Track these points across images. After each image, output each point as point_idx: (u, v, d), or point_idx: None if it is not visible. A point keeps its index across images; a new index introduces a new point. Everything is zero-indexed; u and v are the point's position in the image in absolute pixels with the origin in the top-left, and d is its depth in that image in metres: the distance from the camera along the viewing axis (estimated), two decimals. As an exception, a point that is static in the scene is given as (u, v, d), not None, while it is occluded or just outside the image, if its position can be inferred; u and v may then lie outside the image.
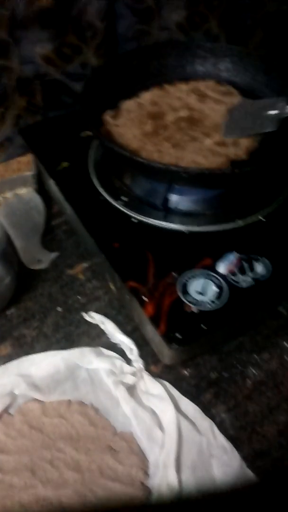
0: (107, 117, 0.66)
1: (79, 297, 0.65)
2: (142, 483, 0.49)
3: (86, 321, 0.62)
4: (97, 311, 0.63)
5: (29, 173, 0.75)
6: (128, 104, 0.69)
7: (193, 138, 0.63)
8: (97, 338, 0.61)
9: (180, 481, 0.48)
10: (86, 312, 0.63)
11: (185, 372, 0.57)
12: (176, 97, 0.70)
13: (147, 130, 0.65)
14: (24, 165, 0.77)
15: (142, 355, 0.58)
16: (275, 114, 0.60)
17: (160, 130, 0.65)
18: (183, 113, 0.67)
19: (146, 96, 0.70)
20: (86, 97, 0.64)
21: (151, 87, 0.72)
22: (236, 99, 0.70)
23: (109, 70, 0.70)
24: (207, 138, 0.63)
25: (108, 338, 0.60)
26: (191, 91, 0.71)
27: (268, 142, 0.63)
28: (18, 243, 0.67)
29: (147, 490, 0.49)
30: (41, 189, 0.77)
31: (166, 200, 0.60)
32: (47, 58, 0.76)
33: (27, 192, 0.76)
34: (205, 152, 0.61)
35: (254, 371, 0.58)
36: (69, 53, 0.77)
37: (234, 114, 0.66)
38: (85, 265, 0.69)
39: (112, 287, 0.63)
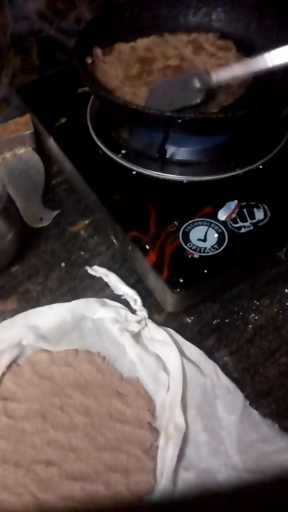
0: (97, 50, 0.67)
1: (82, 253, 0.66)
2: (150, 424, 0.51)
3: (90, 275, 0.63)
4: (100, 266, 0.64)
5: (27, 132, 0.75)
6: (122, 46, 0.70)
7: None
8: (101, 291, 0.62)
9: (186, 420, 0.50)
10: (89, 267, 0.64)
11: (188, 320, 0.59)
12: (173, 47, 0.70)
13: (131, 73, 0.66)
14: (22, 125, 0.76)
15: (145, 305, 0.59)
16: (199, 87, 0.60)
17: (144, 74, 0.65)
18: (173, 62, 0.68)
19: (143, 42, 0.71)
20: (80, 49, 0.64)
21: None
22: (231, 55, 0.70)
23: (101, 22, 0.70)
24: None
25: (112, 290, 0.61)
26: (190, 42, 0.70)
27: (257, 88, 0.64)
28: (18, 202, 0.68)
29: (154, 430, 0.50)
30: (40, 149, 0.77)
31: (163, 151, 0.60)
32: (41, 13, 0.75)
33: (25, 151, 0.76)
34: None
35: (254, 316, 0.59)
36: (63, 7, 0.76)
37: (157, 90, 0.64)
38: (86, 221, 0.69)
39: (114, 241, 0.64)
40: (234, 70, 0.61)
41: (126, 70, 0.66)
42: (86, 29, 0.69)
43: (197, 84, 0.60)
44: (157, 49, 0.69)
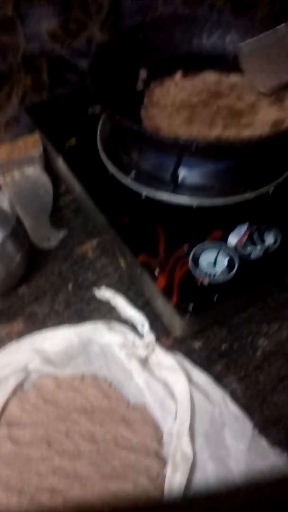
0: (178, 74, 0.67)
1: (89, 274, 0.65)
2: (157, 452, 0.50)
3: (97, 297, 0.63)
4: (107, 288, 0.63)
5: (36, 152, 0.75)
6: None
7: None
8: (108, 314, 0.61)
9: (194, 449, 0.49)
10: (97, 289, 0.63)
11: (196, 345, 0.58)
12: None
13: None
14: (31, 144, 0.76)
15: (153, 329, 0.58)
16: None
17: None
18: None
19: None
20: (93, 71, 0.64)
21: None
22: None
23: (115, 45, 0.70)
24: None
25: (118, 314, 0.61)
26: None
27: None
28: (27, 222, 0.67)
29: (161, 459, 0.49)
30: (48, 168, 0.77)
31: (175, 174, 0.60)
32: (52, 34, 0.75)
33: (34, 171, 0.76)
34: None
35: (263, 342, 0.58)
36: (75, 28, 0.77)
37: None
38: (94, 242, 0.69)
39: (122, 263, 0.64)
40: None
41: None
42: (101, 51, 0.70)
43: None
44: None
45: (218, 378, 0.55)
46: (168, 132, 0.61)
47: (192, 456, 0.48)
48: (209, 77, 0.71)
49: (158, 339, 0.58)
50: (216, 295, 0.52)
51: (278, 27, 0.60)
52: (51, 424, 0.52)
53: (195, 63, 0.72)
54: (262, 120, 0.62)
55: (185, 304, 0.52)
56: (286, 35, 0.60)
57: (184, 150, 0.56)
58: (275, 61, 0.62)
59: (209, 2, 0.86)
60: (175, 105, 0.66)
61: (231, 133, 0.60)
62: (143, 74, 0.70)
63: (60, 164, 0.70)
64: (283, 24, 0.60)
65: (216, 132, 0.61)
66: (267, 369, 0.56)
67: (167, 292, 0.53)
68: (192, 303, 0.51)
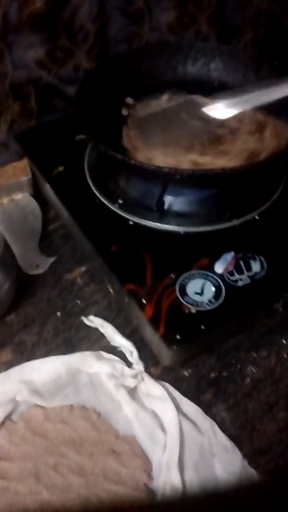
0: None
1: (78, 301, 0.65)
2: (146, 485, 0.49)
3: (86, 325, 0.62)
4: (96, 315, 0.63)
5: (25, 178, 0.75)
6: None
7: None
8: (97, 342, 0.61)
9: (183, 481, 0.49)
10: (85, 316, 0.63)
11: (185, 373, 0.58)
12: None
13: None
14: (20, 170, 0.77)
15: (141, 357, 0.58)
16: None
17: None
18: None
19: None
20: (79, 100, 0.64)
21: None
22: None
23: (101, 73, 0.71)
24: None
25: (108, 341, 0.61)
26: None
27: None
28: (15, 248, 0.67)
29: (151, 492, 0.49)
30: (37, 194, 0.77)
31: (161, 202, 0.60)
32: (39, 62, 0.76)
33: (23, 197, 0.76)
34: None
35: (252, 369, 0.58)
36: (62, 56, 0.77)
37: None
38: (83, 269, 0.69)
39: (111, 290, 0.64)
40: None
41: None
42: (87, 79, 0.70)
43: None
44: None
45: (207, 407, 0.55)
46: (145, 152, 0.62)
47: (181, 488, 0.48)
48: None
49: (147, 367, 0.57)
50: (204, 324, 0.52)
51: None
52: (40, 457, 0.51)
53: (180, 89, 0.73)
54: (239, 149, 0.62)
55: (172, 333, 0.52)
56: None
57: (167, 179, 0.56)
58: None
59: (194, 29, 0.87)
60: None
61: (207, 160, 0.61)
62: (129, 101, 0.71)
63: (48, 190, 0.70)
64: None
65: (192, 157, 0.61)
66: (256, 396, 0.56)
67: (154, 322, 0.52)
68: (179, 332, 0.51)
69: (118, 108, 0.70)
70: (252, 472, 0.50)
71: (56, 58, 0.77)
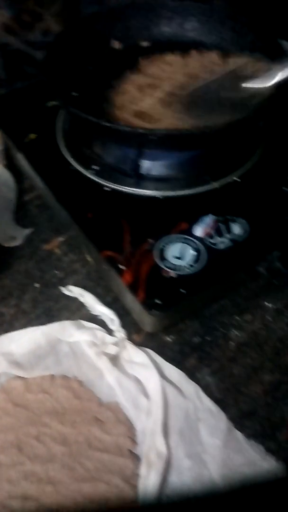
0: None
1: (57, 272, 0.64)
2: (131, 451, 0.49)
3: (65, 295, 0.61)
4: (75, 285, 0.62)
5: (-3, 148, 0.72)
6: None
7: None
8: (77, 312, 0.60)
9: (168, 446, 0.48)
10: (64, 286, 0.62)
11: (168, 339, 0.57)
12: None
13: None
14: (-9, 141, 0.74)
15: (123, 325, 0.57)
16: None
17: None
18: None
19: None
20: (48, 64, 0.62)
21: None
22: None
23: (71, 35, 0.68)
24: None
25: (88, 310, 0.59)
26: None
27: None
28: (-11, 221, 0.66)
29: (135, 458, 0.48)
30: (11, 165, 0.74)
31: (137, 166, 0.58)
32: (6, 26, 0.73)
33: (-4, 168, 0.73)
34: None
35: (236, 333, 0.57)
36: (29, 20, 0.75)
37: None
38: (60, 239, 0.67)
39: (89, 259, 0.62)
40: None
41: None
42: (56, 42, 0.68)
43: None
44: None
45: (192, 372, 0.54)
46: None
47: (166, 454, 0.47)
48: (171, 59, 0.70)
49: (129, 335, 0.56)
50: (184, 288, 0.51)
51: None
52: (22, 428, 0.50)
53: (156, 51, 0.70)
54: None
55: (152, 298, 0.50)
56: None
57: (143, 140, 0.54)
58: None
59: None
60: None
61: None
62: (116, 44, 0.68)
63: (21, 160, 0.68)
64: None
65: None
66: (240, 360, 0.55)
67: (133, 288, 0.51)
68: (159, 297, 0.50)
69: (91, 72, 0.68)
70: (238, 435, 0.50)
71: (24, 22, 0.74)
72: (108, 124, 0.53)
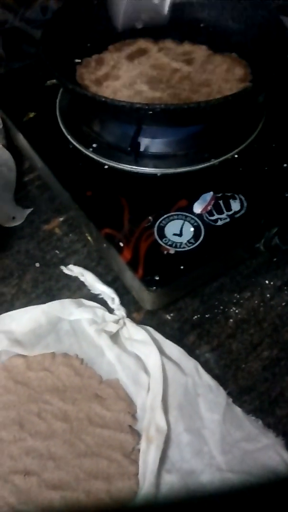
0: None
1: (57, 252, 0.64)
2: (131, 427, 0.49)
3: (66, 274, 0.61)
4: (76, 264, 0.62)
5: (-4, 128, 0.72)
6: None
7: None
8: (78, 291, 0.60)
9: (168, 421, 0.48)
10: (65, 266, 0.62)
11: (168, 317, 0.57)
12: None
13: None
14: (-9, 121, 0.74)
15: (124, 303, 0.57)
16: None
17: None
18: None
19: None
20: (46, 41, 0.61)
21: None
22: None
23: (69, 12, 0.67)
24: None
25: (88, 290, 0.60)
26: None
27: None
28: (-11, 201, 0.66)
29: (136, 433, 0.49)
30: (10, 146, 0.74)
31: (136, 143, 0.58)
32: (4, 3, 0.72)
33: (-5, 149, 0.73)
34: None
35: (235, 310, 0.57)
36: (27, -4, 0.74)
37: None
38: (61, 219, 0.67)
39: (89, 238, 0.62)
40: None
41: None
42: (54, 18, 0.67)
43: None
44: None
45: (191, 349, 0.54)
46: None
47: (166, 429, 0.48)
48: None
49: (129, 313, 0.57)
50: (183, 264, 0.51)
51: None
52: (23, 406, 0.51)
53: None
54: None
55: (151, 275, 0.50)
56: None
57: (140, 116, 0.54)
58: None
59: None
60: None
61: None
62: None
63: (20, 139, 0.67)
64: None
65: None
66: (240, 337, 0.56)
67: (133, 265, 0.51)
68: (158, 274, 0.50)
69: (88, 49, 0.67)
70: (237, 410, 0.50)
71: (21, -1, 0.74)
72: (103, 99, 0.53)
